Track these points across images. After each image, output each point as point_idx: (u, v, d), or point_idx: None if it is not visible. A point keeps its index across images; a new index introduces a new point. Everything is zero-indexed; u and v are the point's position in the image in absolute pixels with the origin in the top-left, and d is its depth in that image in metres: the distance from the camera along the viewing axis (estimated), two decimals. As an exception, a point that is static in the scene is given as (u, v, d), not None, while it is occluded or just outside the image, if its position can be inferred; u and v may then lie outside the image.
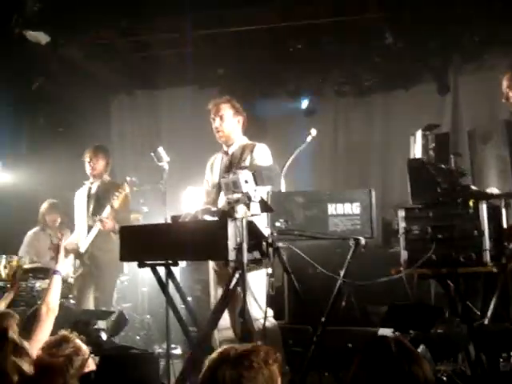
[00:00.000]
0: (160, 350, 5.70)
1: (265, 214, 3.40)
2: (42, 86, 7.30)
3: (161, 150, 4.26)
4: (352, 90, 7.66)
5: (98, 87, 8.28)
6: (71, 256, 5.34)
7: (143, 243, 3.51)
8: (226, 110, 4.32)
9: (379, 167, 7.81)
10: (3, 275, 4.87)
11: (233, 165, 4.18)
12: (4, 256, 4.93)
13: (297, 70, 7.45)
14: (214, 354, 1.94)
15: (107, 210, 5.13)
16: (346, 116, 8.04)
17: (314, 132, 3.89)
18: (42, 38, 6.51)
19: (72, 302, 5.15)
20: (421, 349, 3.36)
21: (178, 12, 6.25)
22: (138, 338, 6.01)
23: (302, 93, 7.75)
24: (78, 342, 2.75)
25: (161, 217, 4.47)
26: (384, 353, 2.01)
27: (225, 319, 3.94)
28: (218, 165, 4.41)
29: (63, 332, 2.82)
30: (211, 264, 4.25)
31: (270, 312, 3.91)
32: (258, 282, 3.80)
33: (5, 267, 4.86)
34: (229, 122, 4.31)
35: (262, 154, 4.15)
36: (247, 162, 4.10)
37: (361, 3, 6.32)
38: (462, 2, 6.07)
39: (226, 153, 4.35)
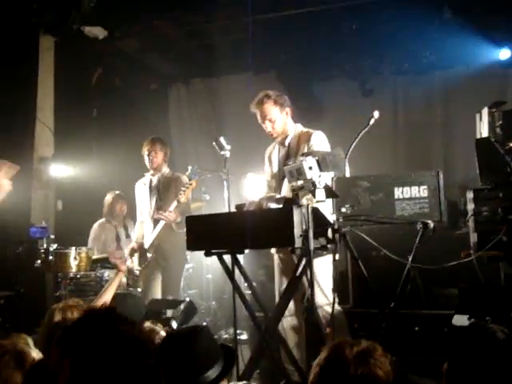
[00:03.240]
0: (226, 336, 5.80)
1: (330, 200, 3.37)
2: (101, 79, 7.49)
3: (222, 139, 4.28)
4: (411, 68, 7.47)
5: (155, 77, 8.39)
6: None
7: (209, 232, 3.51)
8: (272, 110, 4.14)
9: (441, 146, 7.61)
10: (73, 267, 5.03)
11: (291, 155, 4.10)
12: (73, 248, 5.08)
13: (353, 50, 7.32)
14: (326, 352, 1.91)
15: (174, 205, 5.16)
16: (406, 95, 7.84)
17: (376, 114, 3.75)
18: (99, 32, 6.67)
19: (139, 290, 5.28)
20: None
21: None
22: (204, 324, 6.10)
23: (359, 73, 7.61)
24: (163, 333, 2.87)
25: (222, 204, 4.50)
26: (489, 342, 1.91)
27: (289, 306, 3.90)
28: (275, 156, 4.33)
29: (149, 324, 2.92)
30: (275, 251, 4.22)
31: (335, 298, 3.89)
32: (324, 269, 3.80)
33: (75, 259, 5.02)
34: (279, 121, 4.17)
35: (320, 142, 4.06)
36: (305, 151, 3.94)
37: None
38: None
39: (283, 144, 4.25)
